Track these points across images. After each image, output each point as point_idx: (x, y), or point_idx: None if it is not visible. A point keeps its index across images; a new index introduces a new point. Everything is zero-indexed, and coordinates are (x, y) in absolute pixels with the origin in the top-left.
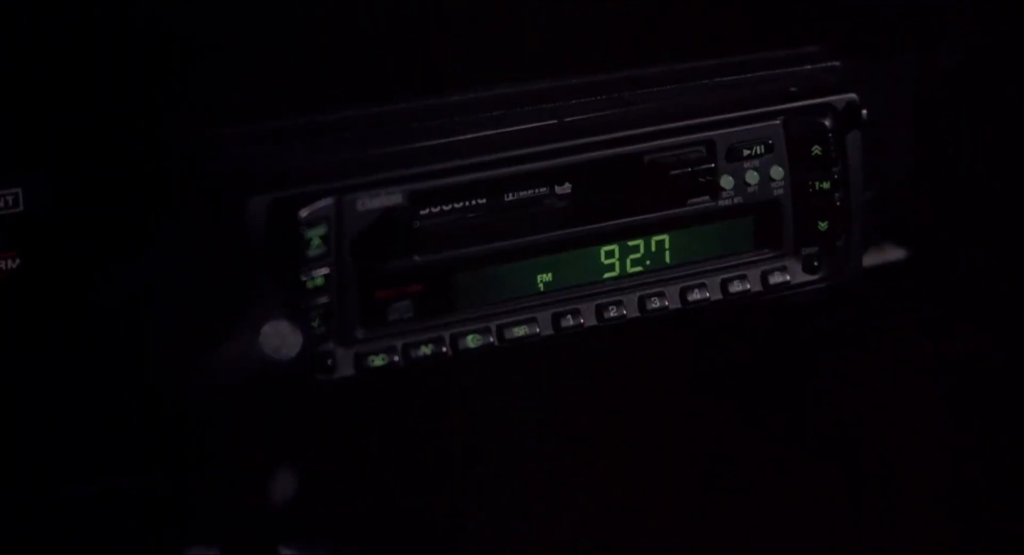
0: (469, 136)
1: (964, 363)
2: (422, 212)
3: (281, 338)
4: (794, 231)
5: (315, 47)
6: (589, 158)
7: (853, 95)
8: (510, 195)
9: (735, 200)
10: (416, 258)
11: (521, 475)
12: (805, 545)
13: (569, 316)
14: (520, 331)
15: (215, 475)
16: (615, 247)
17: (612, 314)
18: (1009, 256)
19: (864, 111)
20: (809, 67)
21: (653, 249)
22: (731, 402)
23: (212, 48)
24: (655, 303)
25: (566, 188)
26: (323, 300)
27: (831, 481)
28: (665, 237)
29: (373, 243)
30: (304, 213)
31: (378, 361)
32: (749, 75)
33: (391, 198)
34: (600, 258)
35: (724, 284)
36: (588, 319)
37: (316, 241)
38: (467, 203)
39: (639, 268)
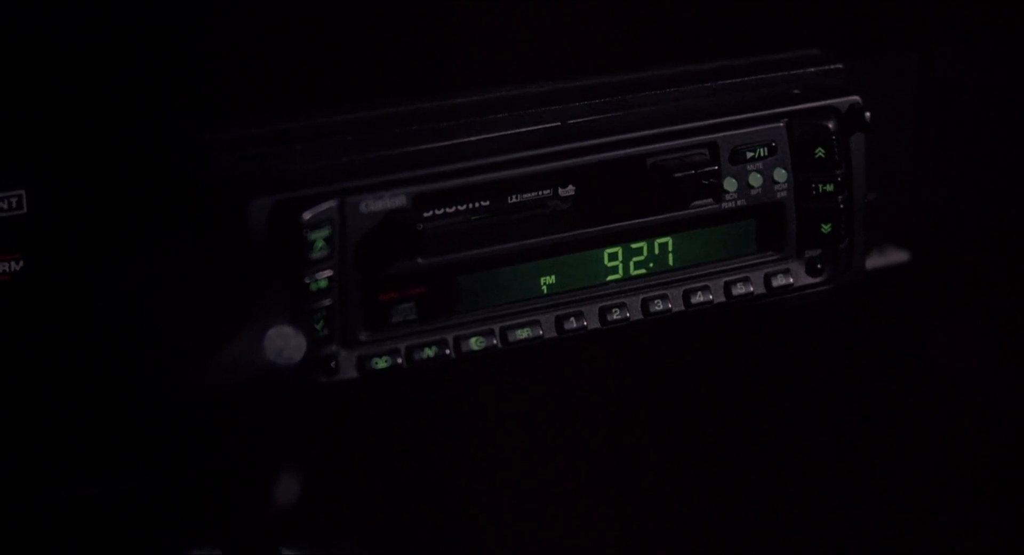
0: (473, 138)
1: (967, 365)
2: (425, 214)
3: (285, 341)
4: (797, 233)
5: (318, 49)
6: (593, 160)
7: (856, 97)
8: (514, 197)
9: (738, 202)
10: (419, 260)
11: (524, 477)
12: (808, 546)
13: (572, 318)
14: (523, 333)
15: (218, 477)
16: (618, 249)
17: (615, 316)
18: (1012, 258)
19: (867, 113)
20: (812, 69)
21: (656, 251)
22: (734, 404)
23: (214, 49)
24: (658, 305)
25: (570, 190)
26: (326, 302)
27: (835, 482)
28: (668, 239)
29: (376, 245)
30: (307, 215)
31: (381, 363)
32: (752, 78)
33: (394, 200)
34: (603, 260)
35: (727, 286)
36: (591, 322)
37: (319, 243)
38: (470, 205)
39: (642, 270)
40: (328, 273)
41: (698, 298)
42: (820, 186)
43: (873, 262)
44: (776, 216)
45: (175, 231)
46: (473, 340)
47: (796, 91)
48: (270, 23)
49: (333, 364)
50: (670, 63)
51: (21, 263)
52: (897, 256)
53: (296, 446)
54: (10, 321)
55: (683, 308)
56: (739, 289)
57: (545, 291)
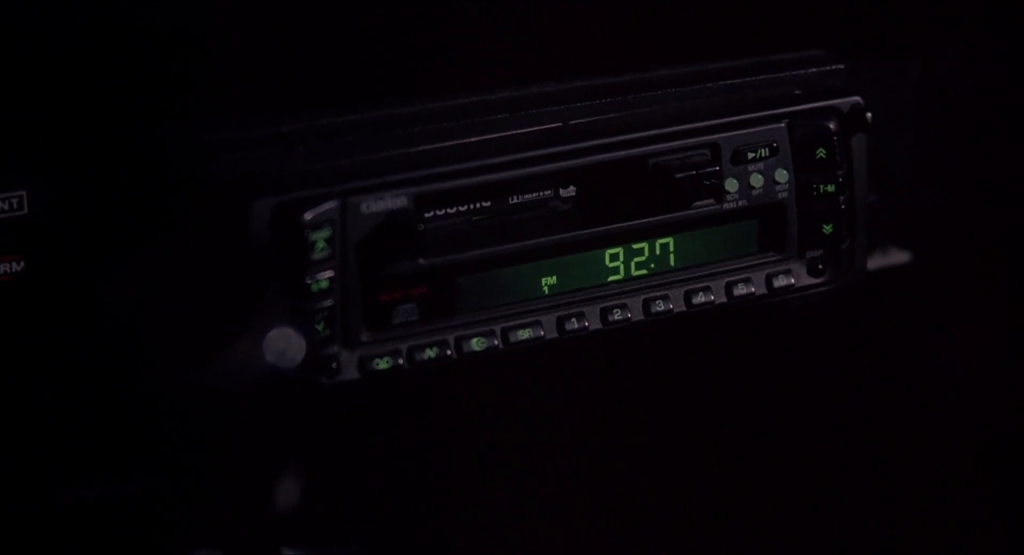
0: (474, 139)
1: (968, 365)
2: (426, 215)
3: (286, 342)
4: (799, 234)
5: (319, 49)
6: (594, 161)
7: (858, 98)
8: (515, 198)
9: (740, 203)
10: (420, 261)
11: (526, 478)
12: (810, 546)
13: (574, 319)
14: (524, 334)
15: (219, 478)
16: (620, 250)
17: (616, 317)
18: (1013, 258)
19: (869, 114)
20: (814, 70)
21: (658, 252)
22: (736, 405)
23: (216, 50)
24: (659, 306)
25: (571, 191)
26: (327, 303)
27: (836, 483)
28: (670, 240)
29: (377, 246)
30: (308, 216)
31: (382, 364)
32: (754, 78)
33: (396, 201)
34: (605, 261)
35: (728, 287)
36: (592, 322)
37: (320, 244)
38: (472, 206)
39: (644, 271)
40: (329, 274)
41: (699, 299)
42: (821, 187)
43: (874, 263)
44: (777, 217)
45: (176, 232)
46: (474, 341)
47: (798, 92)
48: (271, 24)
49: (334, 365)
50: (671, 63)
51: (22, 264)
52: (898, 257)
53: (297, 447)
54: (11, 322)
55: (684, 308)
56: (740, 290)
57: (546, 292)
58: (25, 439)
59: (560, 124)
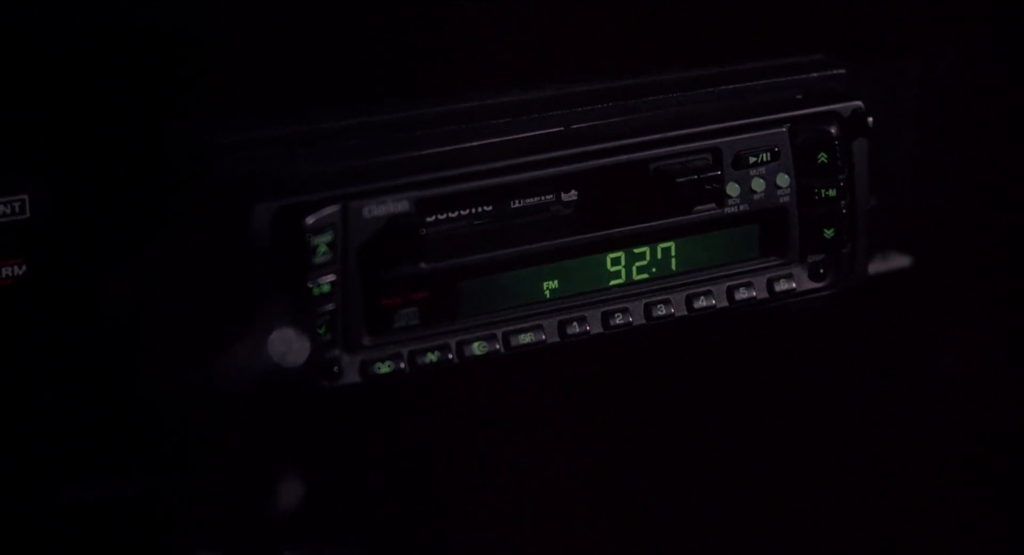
0: (476, 143)
1: (969, 369)
2: (428, 219)
3: (287, 345)
4: (800, 238)
5: (321, 52)
6: (595, 165)
7: (859, 103)
8: (516, 202)
9: (741, 207)
10: (422, 265)
11: (527, 481)
12: (812, 548)
13: (575, 323)
14: (526, 338)
15: (220, 481)
16: (621, 254)
17: (618, 321)
18: (1014, 262)
19: (870, 118)
20: (815, 75)
21: (659, 256)
22: (737, 408)
23: (217, 52)
24: (661, 310)
25: (572, 195)
26: (329, 307)
27: (838, 486)
28: (671, 244)
29: (379, 250)
30: (310, 220)
31: (384, 368)
32: (755, 83)
33: (397, 205)
34: (606, 265)
35: (730, 291)
36: (594, 326)
37: (322, 248)
38: (473, 210)
39: (645, 275)
40: (331, 278)
41: (701, 303)
42: (823, 191)
43: (875, 267)
44: (779, 221)
45: (178, 235)
46: (476, 345)
47: (799, 96)
48: (273, 26)
49: (336, 368)
50: (673, 68)
51: (24, 267)
52: (899, 261)
53: (298, 449)
54: (13, 325)
55: (686, 313)
56: (742, 294)
57: (548, 296)
58: (25, 439)
59: (562, 128)
